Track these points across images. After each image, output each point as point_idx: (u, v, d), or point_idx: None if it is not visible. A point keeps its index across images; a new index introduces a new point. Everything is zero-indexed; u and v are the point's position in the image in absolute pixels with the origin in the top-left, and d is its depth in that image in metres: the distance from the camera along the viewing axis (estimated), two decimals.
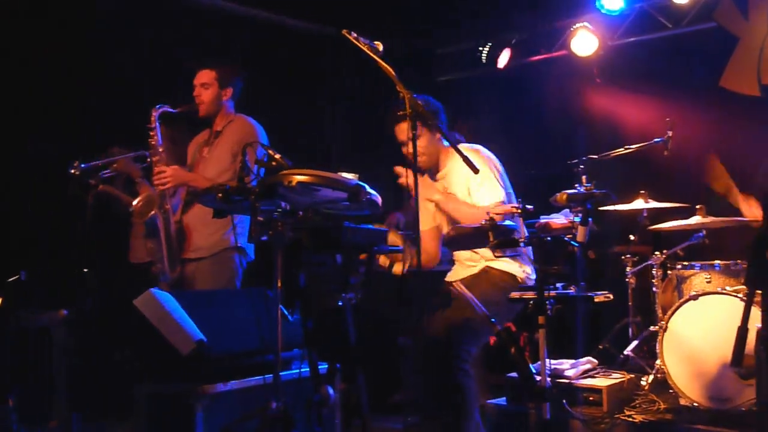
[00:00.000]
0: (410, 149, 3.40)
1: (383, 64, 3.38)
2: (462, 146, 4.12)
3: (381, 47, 3.49)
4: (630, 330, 5.72)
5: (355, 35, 3.43)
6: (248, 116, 4.79)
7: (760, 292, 2.23)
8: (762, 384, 2.63)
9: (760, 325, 2.60)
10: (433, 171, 4.30)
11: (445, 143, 4.15)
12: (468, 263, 4.20)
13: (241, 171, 3.21)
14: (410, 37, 6.97)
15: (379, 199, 3.21)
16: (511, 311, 4.06)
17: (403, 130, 4.02)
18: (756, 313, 2.21)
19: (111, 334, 4.88)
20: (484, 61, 7.24)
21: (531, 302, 3.42)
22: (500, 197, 4.05)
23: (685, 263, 5.15)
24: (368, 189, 3.08)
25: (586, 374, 4.99)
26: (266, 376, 3.20)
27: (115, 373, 4.93)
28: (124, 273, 5.13)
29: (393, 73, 3.38)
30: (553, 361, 4.98)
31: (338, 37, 3.47)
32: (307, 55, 7.16)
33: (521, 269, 4.12)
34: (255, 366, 3.60)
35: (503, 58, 7.12)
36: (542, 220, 3.40)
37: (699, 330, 4.68)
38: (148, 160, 4.74)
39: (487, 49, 7.26)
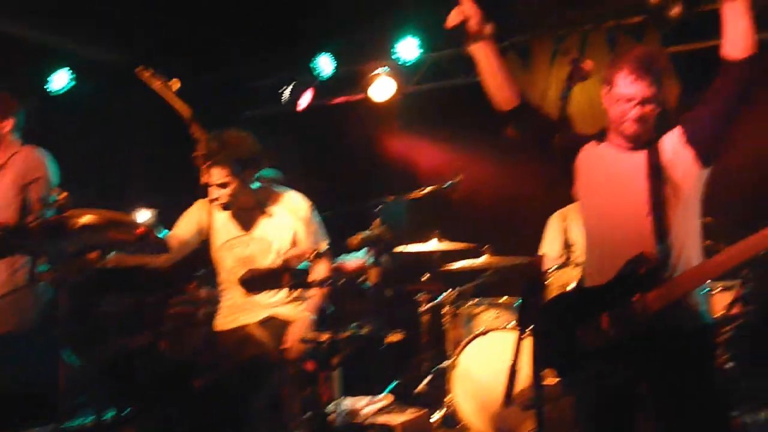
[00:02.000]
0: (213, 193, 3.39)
1: (178, 104, 3.33)
2: (279, 190, 4.14)
3: (177, 85, 3.44)
4: (423, 366, 5.90)
5: (151, 72, 3.35)
6: (38, 147, 4.49)
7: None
8: (540, 415, 2.81)
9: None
10: (246, 212, 4.17)
11: (256, 185, 4.12)
12: (246, 308, 4.11)
13: (22, 209, 3.04)
14: (218, 70, 6.91)
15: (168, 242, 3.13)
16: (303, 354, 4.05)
17: (210, 173, 3.85)
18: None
19: None
20: (285, 100, 7.29)
21: (325, 343, 3.46)
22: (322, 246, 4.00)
23: (475, 300, 5.43)
24: (159, 230, 3.01)
25: (381, 411, 5.10)
26: (49, 423, 3.02)
27: None
28: None
29: (189, 113, 3.33)
30: (349, 399, 5.05)
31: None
32: (111, 85, 6.90)
33: (306, 313, 4.09)
34: (37, 413, 3.38)
35: (305, 99, 7.21)
36: (336, 262, 3.47)
37: (486, 365, 4.93)
38: None
39: (291, 88, 7.32)
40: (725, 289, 5.24)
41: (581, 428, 3.15)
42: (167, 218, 4.21)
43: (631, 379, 2.95)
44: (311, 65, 6.96)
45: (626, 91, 2.96)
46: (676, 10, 5.96)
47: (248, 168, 4.00)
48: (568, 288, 4.70)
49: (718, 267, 2.89)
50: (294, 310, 4.03)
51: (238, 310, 4.10)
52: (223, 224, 4.14)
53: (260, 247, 4.09)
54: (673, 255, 2.95)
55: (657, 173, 3.00)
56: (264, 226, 4.09)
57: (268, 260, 4.03)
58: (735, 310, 4.67)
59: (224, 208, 3.99)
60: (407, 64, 6.95)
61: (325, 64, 7.06)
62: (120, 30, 6.47)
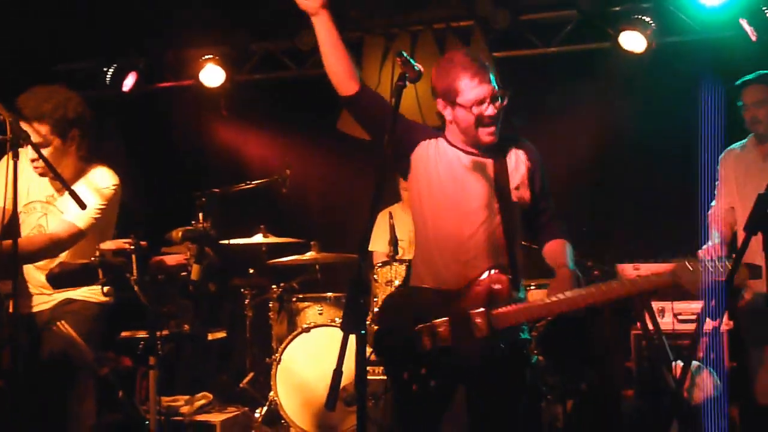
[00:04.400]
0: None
1: None
2: (92, 164, 3.76)
3: None
4: (247, 362, 5.80)
5: None
6: None
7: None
8: (361, 412, 2.84)
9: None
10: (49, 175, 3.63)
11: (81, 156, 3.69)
12: (36, 291, 3.69)
13: None
14: (26, 52, 6.41)
15: None
16: (100, 340, 3.71)
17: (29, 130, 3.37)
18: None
19: None
20: (108, 82, 6.89)
21: (142, 342, 3.29)
22: (80, 224, 3.54)
23: (300, 296, 5.38)
24: None
25: (201, 410, 4.96)
26: None
27: None
28: None
29: None
30: (167, 398, 4.87)
31: None
32: None
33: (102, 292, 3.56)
34: None
35: (129, 82, 6.86)
36: (156, 257, 3.30)
37: (310, 361, 4.91)
38: None
39: (113, 70, 6.94)
40: (539, 287, 5.51)
41: (396, 424, 3.18)
42: None
43: (449, 382, 3.00)
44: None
45: (474, 95, 2.97)
46: (502, 19, 6.19)
47: (73, 128, 3.61)
48: (396, 284, 4.77)
49: (565, 305, 2.91)
50: (89, 290, 3.65)
51: (32, 290, 3.69)
52: (32, 184, 3.71)
53: (54, 217, 3.68)
54: (516, 268, 3.01)
55: (503, 184, 3.05)
56: (66, 199, 3.57)
57: None
58: None
59: (11, 141, 3.28)
60: (239, 53, 6.77)
61: None
62: None
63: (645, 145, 5.93)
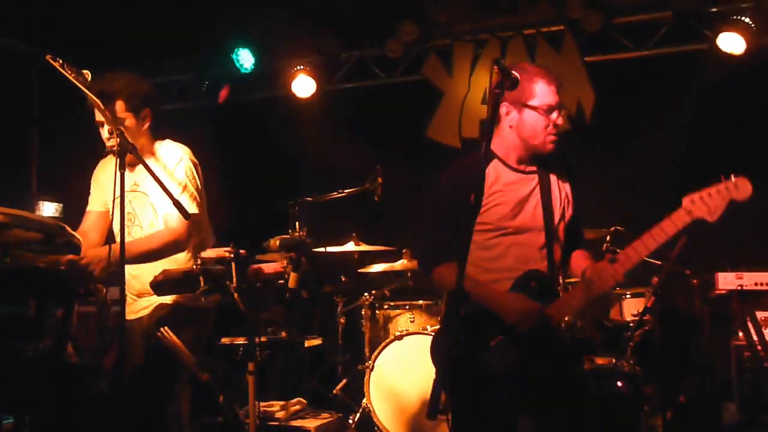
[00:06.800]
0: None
1: (90, 95, 3.17)
2: (168, 143, 3.78)
3: (89, 76, 3.28)
4: (339, 369, 5.85)
5: (61, 62, 3.18)
6: None
7: None
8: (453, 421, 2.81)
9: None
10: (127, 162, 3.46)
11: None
12: (131, 299, 3.74)
13: None
14: (125, 65, 6.66)
15: (80, 242, 2.96)
16: (199, 342, 3.77)
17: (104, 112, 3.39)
18: None
19: None
20: (203, 94, 7.11)
21: (241, 349, 3.36)
22: (189, 210, 3.51)
23: (392, 303, 5.40)
24: (68, 230, 2.83)
25: (296, 415, 5.03)
26: None
27: None
28: None
29: (101, 105, 3.19)
30: (263, 404, 4.96)
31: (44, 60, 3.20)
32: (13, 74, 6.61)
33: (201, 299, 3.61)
34: None
35: (223, 94, 7.06)
36: (254, 266, 3.37)
37: (403, 368, 4.92)
38: None
39: (208, 82, 7.16)
40: (634, 295, 5.38)
41: None
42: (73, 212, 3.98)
43: (516, 397, 2.92)
44: (233, 57, 6.81)
45: (549, 100, 3.00)
46: (594, 22, 6.08)
47: (145, 105, 3.66)
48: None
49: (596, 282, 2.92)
50: (186, 297, 3.63)
51: (128, 298, 3.71)
52: (112, 176, 3.77)
53: (140, 201, 3.72)
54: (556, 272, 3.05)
55: (548, 202, 3.07)
56: (145, 179, 3.62)
57: (147, 217, 3.71)
58: (645, 318, 4.78)
59: (119, 152, 3.17)
60: (245, 72, 6.89)
61: (245, 59, 6.91)
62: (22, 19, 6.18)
63: (740, 151, 5.72)
